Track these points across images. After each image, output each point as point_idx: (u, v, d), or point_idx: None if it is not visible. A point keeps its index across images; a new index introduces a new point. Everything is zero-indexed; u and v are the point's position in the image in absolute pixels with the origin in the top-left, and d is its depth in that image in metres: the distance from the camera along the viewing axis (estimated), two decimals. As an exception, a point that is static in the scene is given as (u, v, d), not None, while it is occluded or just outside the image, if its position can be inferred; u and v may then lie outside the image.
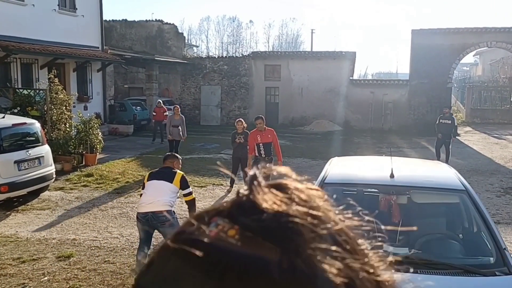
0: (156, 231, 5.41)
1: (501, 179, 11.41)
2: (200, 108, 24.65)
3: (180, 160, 5.83)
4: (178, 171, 5.51)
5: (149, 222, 5.20)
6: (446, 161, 12.82)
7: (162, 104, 17.31)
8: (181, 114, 13.02)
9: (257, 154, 8.92)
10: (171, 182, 5.33)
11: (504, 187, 10.61)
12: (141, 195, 5.53)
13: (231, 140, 10.01)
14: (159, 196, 5.21)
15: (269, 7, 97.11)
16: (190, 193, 5.47)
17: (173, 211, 5.31)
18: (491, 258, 3.37)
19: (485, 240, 3.58)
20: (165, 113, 16.89)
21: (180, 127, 12.75)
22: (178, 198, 5.64)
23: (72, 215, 8.21)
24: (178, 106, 13.49)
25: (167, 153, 6.05)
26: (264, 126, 9.05)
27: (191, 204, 5.45)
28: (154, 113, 17.30)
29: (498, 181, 11.24)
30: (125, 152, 14.64)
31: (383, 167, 4.27)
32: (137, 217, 5.35)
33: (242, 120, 10.06)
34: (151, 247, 5.60)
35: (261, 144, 8.89)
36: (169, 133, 12.89)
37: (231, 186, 10.15)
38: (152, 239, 5.52)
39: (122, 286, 5.26)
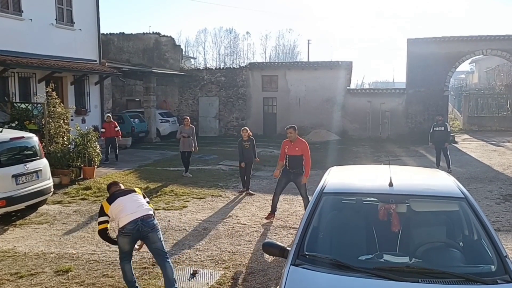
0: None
1: (500, 186, 11.41)
2: (198, 120, 24.67)
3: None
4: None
5: (139, 231, 5.03)
6: (448, 168, 12.90)
7: (111, 119, 15.71)
8: (191, 125, 13.09)
9: (286, 165, 8.52)
10: (135, 192, 5.34)
11: (503, 194, 10.60)
12: (100, 223, 5.24)
13: (238, 147, 11.05)
14: (138, 203, 5.16)
15: (265, 19, 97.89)
16: (149, 202, 5.46)
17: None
18: (493, 266, 3.35)
19: (486, 248, 3.55)
20: (116, 129, 15.43)
21: (190, 138, 12.76)
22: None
23: (70, 229, 8.17)
24: (188, 117, 13.43)
25: (109, 183, 5.74)
26: (296, 136, 8.48)
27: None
28: (103, 129, 15.41)
29: (497, 188, 11.23)
30: (123, 165, 14.61)
31: (381, 176, 4.27)
32: (122, 233, 5.07)
33: (247, 128, 11.19)
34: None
35: (287, 156, 8.48)
36: (181, 144, 12.86)
37: (244, 187, 10.98)
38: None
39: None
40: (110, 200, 5.22)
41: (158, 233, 5.18)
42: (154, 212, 5.38)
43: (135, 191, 5.37)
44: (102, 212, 5.26)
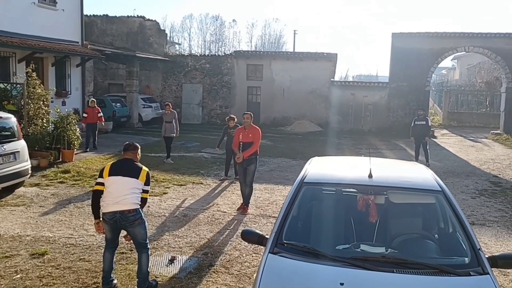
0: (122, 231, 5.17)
1: (476, 181, 11.65)
2: (181, 106, 24.49)
3: (139, 150, 5.44)
4: (143, 166, 5.24)
5: (118, 223, 4.94)
6: (426, 162, 13.10)
7: (95, 104, 14.79)
8: (173, 110, 13.06)
9: (240, 152, 8.43)
10: (137, 178, 5.04)
11: (479, 189, 10.82)
12: (96, 183, 5.11)
13: (223, 133, 11.32)
14: (125, 194, 4.93)
15: (252, 7, 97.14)
16: (148, 191, 5.23)
17: (139, 209, 5.05)
18: (466, 258, 3.42)
19: (460, 240, 3.63)
20: (99, 115, 14.63)
21: (173, 123, 12.78)
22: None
23: (47, 212, 8.06)
24: (170, 103, 13.33)
25: (127, 143, 5.36)
26: (251, 123, 8.58)
27: (144, 201, 5.19)
28: (85, 114, 14.52)
29: (473, 183, 11.46)
30: (103, 149, 14.44)
31: (361, 168, 4.31)
32: (102, 218, 5.01)
33: (235, 117, 11.19)
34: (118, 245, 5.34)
35: (241, 143, 8.46)
36: (163, 129, 12.87)
37: (226, 175, 11.16)
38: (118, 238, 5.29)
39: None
40: (112, 169, 5.02)
41: (140, 227, 5.03)
42: (144, 202, 5.16)
43: (138, 177, 5.05)
44: (101, 174, 5.07)
